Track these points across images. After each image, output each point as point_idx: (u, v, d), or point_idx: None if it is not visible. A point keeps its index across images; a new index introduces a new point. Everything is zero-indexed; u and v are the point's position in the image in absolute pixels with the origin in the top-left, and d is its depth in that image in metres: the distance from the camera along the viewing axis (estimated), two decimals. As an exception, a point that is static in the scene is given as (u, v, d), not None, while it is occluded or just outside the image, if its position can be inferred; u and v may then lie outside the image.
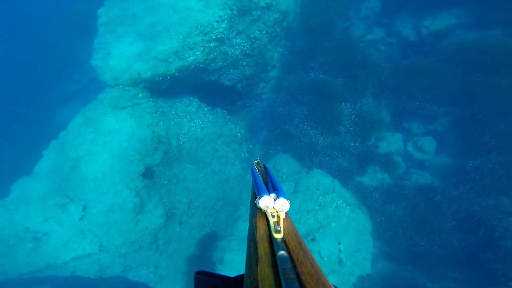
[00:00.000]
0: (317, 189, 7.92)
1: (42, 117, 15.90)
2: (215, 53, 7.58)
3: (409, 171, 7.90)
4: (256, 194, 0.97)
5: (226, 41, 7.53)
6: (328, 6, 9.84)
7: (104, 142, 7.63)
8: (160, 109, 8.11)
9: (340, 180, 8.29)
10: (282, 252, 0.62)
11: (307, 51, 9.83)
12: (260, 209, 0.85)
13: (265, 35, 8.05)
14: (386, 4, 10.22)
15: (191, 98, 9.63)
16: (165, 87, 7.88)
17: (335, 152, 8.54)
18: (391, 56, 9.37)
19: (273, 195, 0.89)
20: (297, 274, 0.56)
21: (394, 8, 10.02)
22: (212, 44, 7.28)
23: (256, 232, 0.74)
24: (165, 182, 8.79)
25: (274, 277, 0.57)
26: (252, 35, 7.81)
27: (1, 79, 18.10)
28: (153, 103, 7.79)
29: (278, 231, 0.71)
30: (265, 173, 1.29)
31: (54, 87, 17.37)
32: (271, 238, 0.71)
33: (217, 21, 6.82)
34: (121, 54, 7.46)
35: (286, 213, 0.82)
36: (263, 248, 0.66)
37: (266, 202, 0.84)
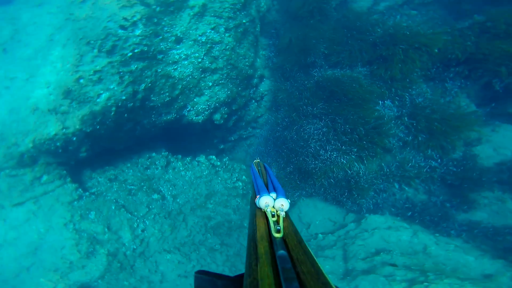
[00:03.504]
0: (395, 265, 4.16)
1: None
2: (147, 79, 4.56)
3: None
4: (256, 193, 1.00)
5: (160, 56, 4.56)
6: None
7: None
8: (89, 191, 5.06)
9: (425, 226, 4.53)
10: (281, 252, 0.62)
11: (300, 44, 6.71)
12: (260, 208, 0.87)
13: (226, 34, 5.03)
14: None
15: (154, 154, 6.64)
16: (87, 154, 4.89)
17: (396, 184, 4.88)
18: (435, 19, 5.94)
19: (273, 194, 0.92)
20: (297, 274, 0.56)
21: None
22: (134, 67, 4.31)
23: (256, 231, 0.75)
24: (127, 298, 5.45)
25: (274, 276, 0.56)
26: (204, 38, 4.80)
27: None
28: (72, 184, 4.77)
29: (278, 231, 0.71)
30: (265, 172, 1.31)
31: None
32: (271, 238, 0.71)
33: (123, 27, 3.90)
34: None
35: (286, 212, 0.82)
36: (263, 248, 0.67)
37: (266, 201, 0.85)
